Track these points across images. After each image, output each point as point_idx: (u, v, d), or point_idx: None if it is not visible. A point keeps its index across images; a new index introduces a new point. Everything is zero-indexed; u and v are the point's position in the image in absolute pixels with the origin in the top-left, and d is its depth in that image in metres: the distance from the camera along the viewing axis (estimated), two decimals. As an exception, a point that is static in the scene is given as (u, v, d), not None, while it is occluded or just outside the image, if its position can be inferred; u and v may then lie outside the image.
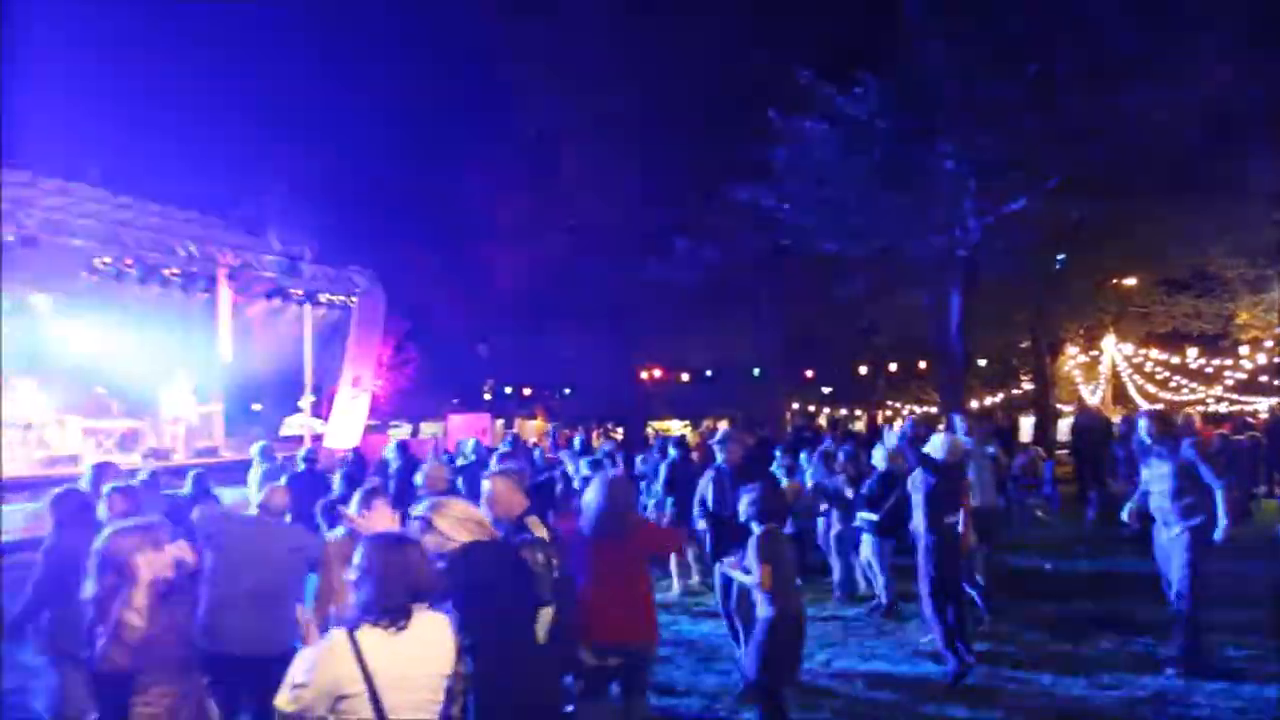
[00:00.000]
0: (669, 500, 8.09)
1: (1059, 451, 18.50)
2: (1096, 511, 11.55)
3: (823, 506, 8.62)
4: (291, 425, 17.78)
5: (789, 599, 4.56)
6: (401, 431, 22.90)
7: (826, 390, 32.56)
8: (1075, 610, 7.52)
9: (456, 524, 3.29)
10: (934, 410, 26.13)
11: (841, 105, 13.53)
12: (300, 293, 15.15)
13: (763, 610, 4.54)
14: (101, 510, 4.79)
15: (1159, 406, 21.01)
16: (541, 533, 3.88)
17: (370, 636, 2.51)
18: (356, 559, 2.65)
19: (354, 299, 16.14)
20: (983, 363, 24.64)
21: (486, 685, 3.12)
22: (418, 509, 3.41)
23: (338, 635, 2.52)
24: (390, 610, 2.54)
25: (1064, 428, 22.73)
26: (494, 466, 6.24)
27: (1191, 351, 27.17)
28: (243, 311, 14.90)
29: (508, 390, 29.93)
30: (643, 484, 10.25)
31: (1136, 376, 29.07)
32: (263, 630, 4.24)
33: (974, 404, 25.76)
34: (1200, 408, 25.90)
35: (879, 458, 7.62)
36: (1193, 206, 16.20)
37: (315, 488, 7.33)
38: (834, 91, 13.59)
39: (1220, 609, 6.57)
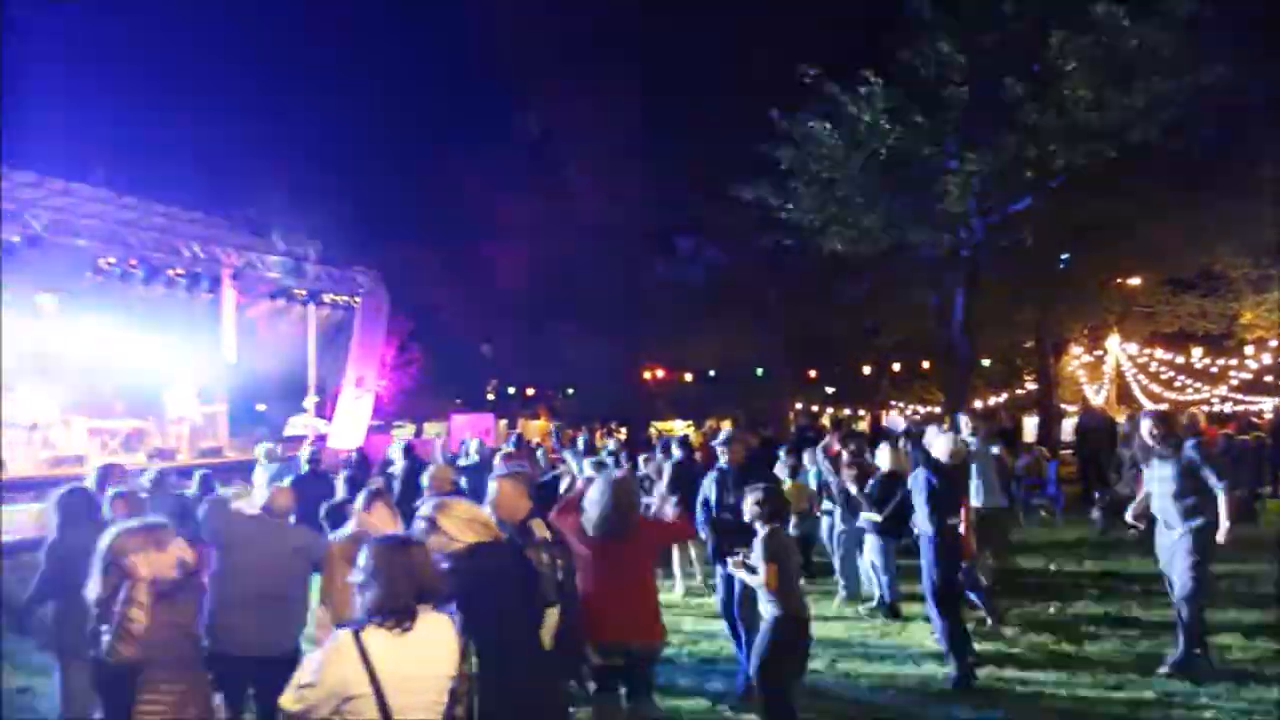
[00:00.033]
0: (673, 499, 8.07)
1: (1063, 452, 18.47)
2: (1103, 513, 11.50)
3: (825, 505, 8.61)
4: (295, 425, 17.79)
5: (794, 599, 4.56)
6: (405, 431, 22.90)
7: (830, 390, 32.51)
8: (1080, 611, 7.51)
9: (462, 525, 3.29)
10: (938, 410, 26.08)
11: (846, 104, 13.51)
12: (304, 293, 15.20)
13: (768, 610, 4.53)
14: (106, 511, 4.82)
15: (1163, 406, 20.97)
16: (545, 535, 3.87)
17: (376, 638, 2.52)
18: (362, 561, 2.65)
19: (358, 299, 16.19)
20: (987, 362, 24.59)
21: (491, 686, 3.12)
22: (423, 509, 3.41)
23: (344, 637, 2.53)
24: (396, 612, 2.55)
25: (1068, 428, 22.71)
26: (498, 466, 6.24)
27: (1196, 351, 27.09)
28: (246, 312, 14.95)
29: (511, 390, 29.93)
30: (645, 484, 10.23)
31: (1141, 376, 29.02)
32: (267, 630, 4.25)
33: (978, 404, 25.71)
34: (1205, 408, 25.82)
35: (883, 458, 7.61)
36: (1198, 205, 16.17)
37: (319, 488, 7.34)
38: (839, 90, 13.57)
39: (1226, 609, 6.55)
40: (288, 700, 2.50)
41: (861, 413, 33.44)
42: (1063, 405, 25.48)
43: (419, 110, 22.89)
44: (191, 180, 16.76)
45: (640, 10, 20.91)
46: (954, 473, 6.15)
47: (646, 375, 28.46)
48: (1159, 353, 28.00)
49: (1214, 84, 12.09)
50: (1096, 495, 12.55)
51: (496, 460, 8.70)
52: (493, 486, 4.05)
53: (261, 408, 19.01)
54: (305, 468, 8.65)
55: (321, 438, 15.54)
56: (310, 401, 17.03)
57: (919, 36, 14.02)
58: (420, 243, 22.62)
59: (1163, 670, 5.79)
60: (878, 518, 7.31)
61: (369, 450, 14.73)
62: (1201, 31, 12.10)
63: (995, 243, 14.89)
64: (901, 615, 7.50)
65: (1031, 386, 27.33)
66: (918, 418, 26.20)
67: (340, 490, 7.37)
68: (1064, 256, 20.60)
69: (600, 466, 7.29)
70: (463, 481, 8.13)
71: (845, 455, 8.38)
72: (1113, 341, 27.76)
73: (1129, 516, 6.43)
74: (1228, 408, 27.77)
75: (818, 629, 5.41)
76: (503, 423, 24.68)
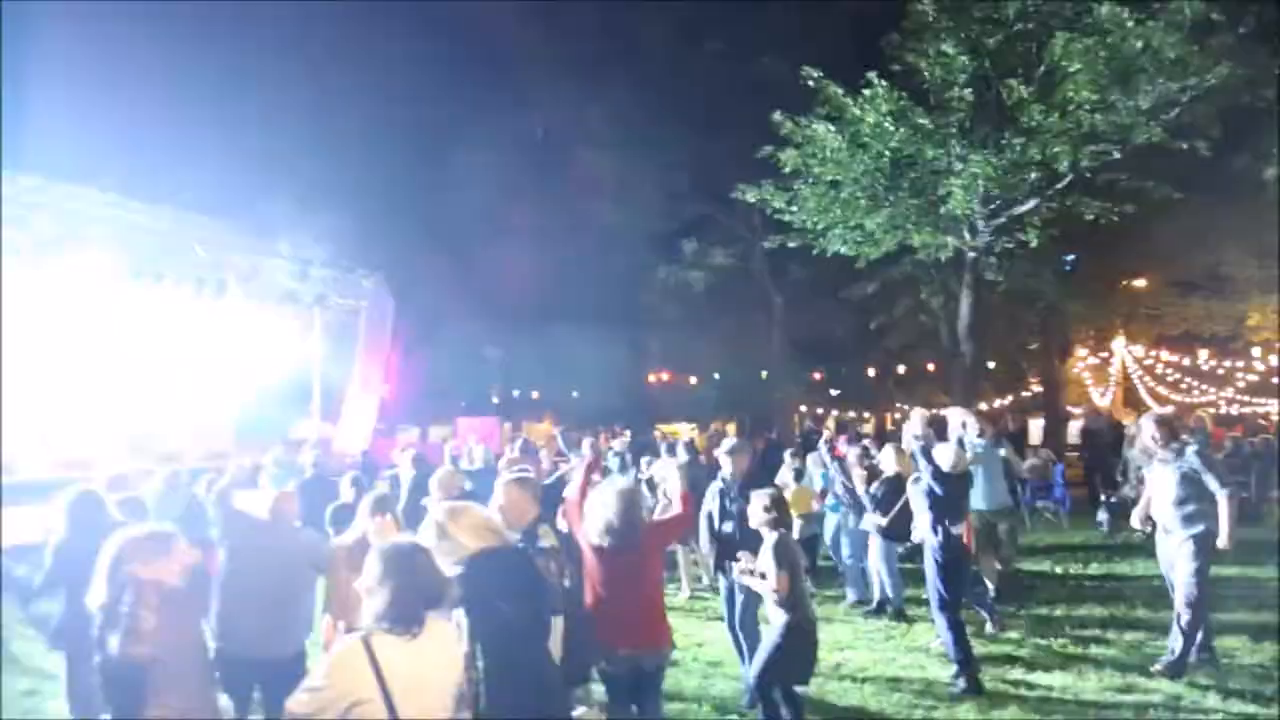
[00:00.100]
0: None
1: (1069, 454, 18.42)
2: (1109, 516, 11.47)
3: (829, 501, 8.59)
4: (300, 429, 17.83)
5: (803, 604, 4.57)
6: (410, 435, 22.92)
7: (835, 392, 32.48)
8: (1085, 613, 7.49)
9: (472, 531, 3.28)
10: (942, 412, 26.03)
11: (850, 106, 13.51)
12: (310, 297, 15.22)
13: (778, 616, 4.53)
14: (114, 514, 4.84)
15: (1169, 409, 20.91)
16: (551, 541, 3.86)
17: (384, 643, 2.53)
18: (371, 567, 2.66)
19: (363, 303, 16.22)
20: (992, 365, 24.53)
21: (497, 691, 3.12)
22: (433, 513, 3.41)
23: (353, 642, 2.54)
24: (404, 618, 2.56)
25: (1073, 430, 22.65)
26: (503, 471, 6.25)
27: (1203, 353, 27.00)
28: (253, 316, 14.97)
29: (516, 393, 29.96)
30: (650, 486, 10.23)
31: (1147, 378, 28.91)
32: (273, 632, 4.28)
33: (983, 406, 25.66)
34: (1212, 410, 25.72)
35: (888, 460, 7.60)
36: (1204, 207, 16.12)
37: (324, 492, 7.35)
38: (842, 92, 13.57)
39: (1233, 612, 6.53)
40: (296, 703, 2.51)
41: (867, 415, 33.40)
42: (1068, 407, 25.39)
43: (424, 115, 22.92)
44: (198, 184, 16.79)
45: (644, 13, 20.93)
46: (958, 481, 6.13)
47: (651, 378, 28.47)
48: (1165, 355, 27.90)
49: (1219, 85, 12.06)
50: (1102, 498, 12.53)
51: (501, 464, 8.70)
52: (499, 491, 4.05)
53: (267, 411, 19.04)
54: (310, 472, 8.66)
55: (327, 441, 15.58)
56: (315, 405, 17.07)
57: (923, 38, 14.02)
58: (426, 247, 22.67)
59: (1155, 669, 5.79)
60: (883, 521, 7.29)
61: (374, 454, 14.78)
62: (1206, 33, 12.08)
63: (1000, 245, 14.86)
64: (907, 617, 7.49)
65: (1037, 389, 27.27)
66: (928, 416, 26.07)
67: (345, 493, 7.38)
68: (1069, 258, 20.56)
69: (605, 470, 7.28)
70: (467, 485, 8.13)
71: (852, 456, 8.37)
72: (1118, 343, 27.67)
73: (1134, 520, 6.42)
74: (1235, 410, 27.65)
75: (823, 631, 5.41)
76: (507, 426, 24.71)
